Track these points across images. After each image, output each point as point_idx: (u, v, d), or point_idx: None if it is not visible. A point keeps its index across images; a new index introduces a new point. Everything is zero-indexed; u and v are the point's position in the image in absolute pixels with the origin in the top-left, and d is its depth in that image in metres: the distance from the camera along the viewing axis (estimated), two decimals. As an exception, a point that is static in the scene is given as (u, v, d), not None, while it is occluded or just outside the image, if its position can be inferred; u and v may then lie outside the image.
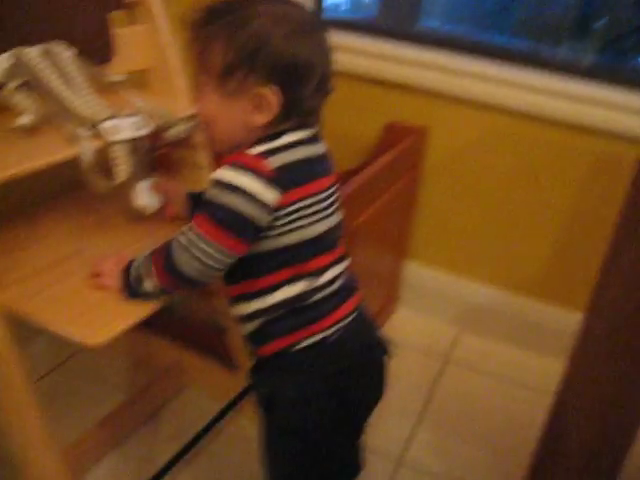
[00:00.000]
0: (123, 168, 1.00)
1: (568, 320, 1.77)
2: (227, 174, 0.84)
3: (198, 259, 0.86)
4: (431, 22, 2.05)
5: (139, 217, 1.12)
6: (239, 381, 1.44)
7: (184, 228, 0.88)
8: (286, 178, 0.86)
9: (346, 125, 1.85)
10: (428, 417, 1.60)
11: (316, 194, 0.91)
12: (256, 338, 0.96)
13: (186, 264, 0.87)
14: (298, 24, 0.87)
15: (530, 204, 1.74)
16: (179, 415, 1.51)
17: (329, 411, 0.95)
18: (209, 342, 1.53)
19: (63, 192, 1.22)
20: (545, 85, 1.60)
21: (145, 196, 1.07)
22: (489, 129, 1.71)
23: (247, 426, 1.49)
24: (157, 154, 1.12)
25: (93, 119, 0.98)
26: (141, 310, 0.93)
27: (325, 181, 0.93)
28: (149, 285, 0.92)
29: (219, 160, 0.92)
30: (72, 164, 0.96)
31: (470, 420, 1.60)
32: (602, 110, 1.56)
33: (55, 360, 1.63)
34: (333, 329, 0.94)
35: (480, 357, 1.83)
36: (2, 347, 0.91)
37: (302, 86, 0.88)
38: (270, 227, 0.87)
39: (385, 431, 1.53)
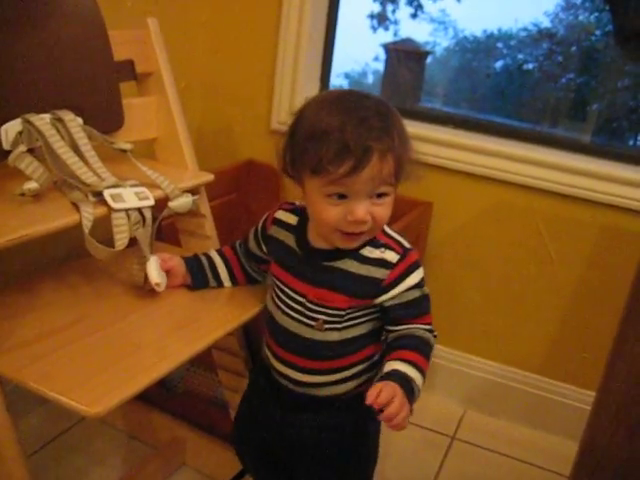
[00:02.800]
0: (124, 237, 0.99)
1: (577, 398, 1.73)
2: (421, 273, 1.03)
3: None
4: (431, 104, 2.14)
5: (137, 286, 1.11)
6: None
7: (426, 328, 1.10)
8: None
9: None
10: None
11: None
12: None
13: None
14: None
15: (536, 278, 1.72)
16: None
17: None
18: (209, 418, 1.48)
19: (65, 259, 1.21)
20: (547, 159, 1.63)
21: (157, 273, 1.07)
22: (492, 203, 1.71)
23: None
24: (163, 224, 1.12)
25: (97, 187, 0.98)
26: (141, 379, 0.90)
27: None
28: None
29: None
30: (75, 231, 0.96)
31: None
32: (605, 184, 1.58)
33: (49, 435, 1.57)
34: None
35: (487, 436, 1.77)
36: (-4, 416, 0.88)
37: None
38: None
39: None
